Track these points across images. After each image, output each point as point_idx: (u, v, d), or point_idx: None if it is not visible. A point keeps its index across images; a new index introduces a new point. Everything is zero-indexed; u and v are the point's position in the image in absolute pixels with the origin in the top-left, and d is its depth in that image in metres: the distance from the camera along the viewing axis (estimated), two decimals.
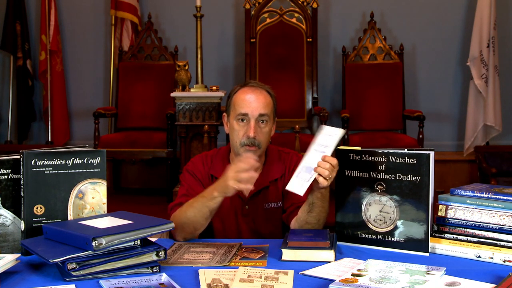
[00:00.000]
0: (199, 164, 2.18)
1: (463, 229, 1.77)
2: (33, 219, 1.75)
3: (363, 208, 1.87)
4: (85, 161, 1.80)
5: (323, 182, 1.81)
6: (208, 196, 1.90)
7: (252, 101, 2.06)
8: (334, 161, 1.81)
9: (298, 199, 2.01)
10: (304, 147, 3.93)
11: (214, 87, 4.59)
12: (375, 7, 5.48)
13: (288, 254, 1.73)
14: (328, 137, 1.82)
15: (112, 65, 5.64)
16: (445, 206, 1.82)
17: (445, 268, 1.58)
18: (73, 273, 1.54)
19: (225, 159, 2.18)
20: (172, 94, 4.65)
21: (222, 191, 1.87)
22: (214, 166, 2.16)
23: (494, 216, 1.73)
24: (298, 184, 1.83)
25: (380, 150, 1.84)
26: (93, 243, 1.53)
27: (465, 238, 1.76)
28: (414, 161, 1.79)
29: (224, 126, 2.18)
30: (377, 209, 1.85)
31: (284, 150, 2.23)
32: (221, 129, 4.91)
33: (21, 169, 1.74)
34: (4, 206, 1.78)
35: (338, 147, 1.92)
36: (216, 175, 2.14)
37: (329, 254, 1.72)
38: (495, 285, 1.48)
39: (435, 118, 5.53)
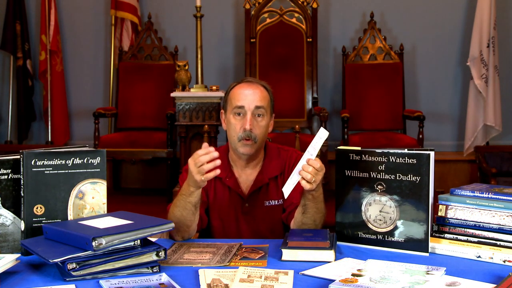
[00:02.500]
0: None
1: (463, 229, 1.77)
2: (33, 219, 1.75)
3: (363, 208, 1.87)
4: (85, 161, 1.80)
5: (305, 185, 1.81)
6: (186, 192, 1.91)
7: (249, 94, 2.07)
8: (317, 164, 1.80)
9: (297, 199, 2.01)
10: (304, 147, 3.93)
11: (214, 87, 4.59)
12: (375, 7, 5.48)
13: (288, 254, 1.73)
14: (319, 140, 1.82)
15: (112, 65, 5.64)
16: (445, 206, 1.82)
17: (445, 268, 1.58)
18: (73, 273, 1.54)
19: (224, 158, 2.18)
20: (172, 94, 4.65)
21: (195, 185, 1.87)
22: None
23: (494, 216, 1.73)
24: (287, 185, 1.84)
25: (380, 150, 1.84)
26: (93, 243, 1.53)
27: (465, 238, 1.76)
28: (414, 161, 1.79)
29: (222, 124, 2.19)
30: (377, 209, 1.85)
31: (283, 148, 2.23)
32: (221, 129, 4.91)
33: (21, 169, 1.74)
34: (4, 206, 1.78)
35: (338, 147, 1.92)
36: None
37: (329, 254, 1.72)
38: (495, 285, 1.48)
39: (435, 118, 5.53)
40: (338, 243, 1.87)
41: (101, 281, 1.53)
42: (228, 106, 2.12)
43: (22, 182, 1.74)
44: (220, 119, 2.21)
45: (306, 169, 1.79)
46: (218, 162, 1.81)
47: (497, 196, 1.74)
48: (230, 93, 2.13)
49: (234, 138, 2.08)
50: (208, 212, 2.17)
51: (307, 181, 1.80)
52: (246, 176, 2.17)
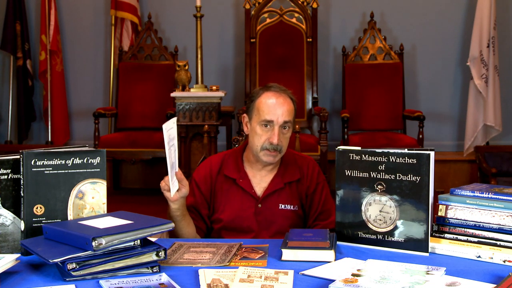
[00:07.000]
0: (201, 169, 2.23)
1: (463, 229, 1.77)
2: (33, 219, 1.75)
3: (363, 208, 1.87)
4: (85, 161, 1.80)
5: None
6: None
7: (277, 108, 2.08)
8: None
9: (326, 219, 2.16)
10: (304, 147, 3.94)
11: (214, 87, 4.59)
12: (375, 7, 5.48)
13: (288, 254, 1.73)
14: (169, 131, 1.86)
15: (112, 65, 5.64)
16: (445, 206, 1.82)
17: (445, 268, 1.58)
18: (73, 273, 1.54)
19: (239, 157, 2.21)
20: (172, 94, 4.65)
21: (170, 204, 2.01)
22: (227, 165, 2.20)
23: (494, 216, 1.73)
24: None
25: (380, 150, 1.84)
26: (93, 243, 1.53)
27: (465, 238, 1.76)
28: (414, 161, 1.79)
29: (243, 127, 2.20)
30: (377, 209, 1.85)
31: (299, 154, 2.27)
32: (221, 129, 4.92)
33: (21, 169, 1.74)
34: (4, 206, 1.78)
35: (338, 147, 1.92)
36: (228, 175, 2.18)
37: (329, 254, 1.72)
38: (495, 285, 1.48)
39: (435, 118, 5.53)
40: (338, 243, 1.87)
41: (101, 281, 1.53)
42: (254, 115, 2.12)
43: (22, 182, 1.74)
44: (241, 121, 2.22)
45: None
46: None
47: (497, 196, 1.74)
48: (257, 101, 2.12)
49: (257, 147, 2.10)
50: (212, 217, 2.20)
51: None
52: (261, 177, 2.19)
